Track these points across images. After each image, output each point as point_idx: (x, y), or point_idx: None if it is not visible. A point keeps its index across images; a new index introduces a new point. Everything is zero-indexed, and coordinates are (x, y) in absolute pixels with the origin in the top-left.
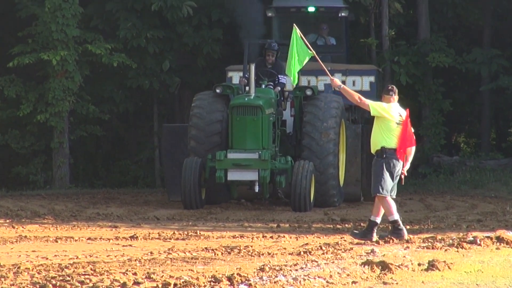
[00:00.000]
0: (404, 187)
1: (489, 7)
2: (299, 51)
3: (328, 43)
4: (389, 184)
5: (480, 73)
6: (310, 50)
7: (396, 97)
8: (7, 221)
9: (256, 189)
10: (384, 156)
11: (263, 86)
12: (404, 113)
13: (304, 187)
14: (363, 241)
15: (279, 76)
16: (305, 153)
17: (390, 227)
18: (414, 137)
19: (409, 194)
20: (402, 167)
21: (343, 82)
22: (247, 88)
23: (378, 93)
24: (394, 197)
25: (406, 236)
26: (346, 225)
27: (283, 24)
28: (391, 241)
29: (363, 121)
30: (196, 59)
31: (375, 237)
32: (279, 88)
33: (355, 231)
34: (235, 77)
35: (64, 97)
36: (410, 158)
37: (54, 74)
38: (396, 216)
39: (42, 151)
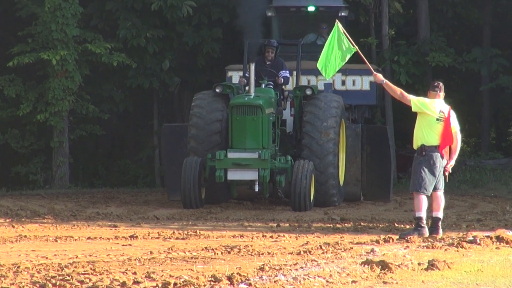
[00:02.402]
0: (404, 187)
1: (489, 6)
2: (341, 47)
3: None
4: (428, 182)
5: (480, 73)
6: (353, 45)
7: (442, 94)
8: (7, 220)
9: (256, 188)
10: (424, 153)
11: (263, 85)
12: (446, 110)
13: (304, 187)
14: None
15: (280, 72)
16: (305, 153)
17: (413, 224)
18: (459, 134)
19: (408, 193)
20: (446, 164)
21: (343, 82)
22: (247, 87)
23: (378, 92)
24: (443, 191)
25: (427, 234)
26: (346, 224)
27: (283, 24)
28: (391, 240)
29: (363, 121)
30: (196, 58)
31: (441, 232)
32: (282, 80)
33: (410, 232)
34: (235, 76)
35: (64, 96)
36: (455, 156)
37: (54, 74)
38: (423, 214)
39: (42, 151)
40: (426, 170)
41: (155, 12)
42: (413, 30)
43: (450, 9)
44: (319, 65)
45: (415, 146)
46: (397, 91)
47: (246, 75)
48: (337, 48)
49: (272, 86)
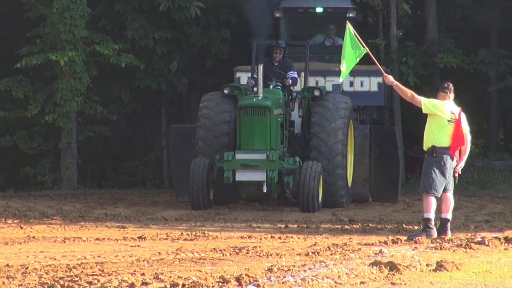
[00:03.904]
0: (412, 188)
1: (497, 8)
2: (353, 48)
3: (336, 43)
4: (438, 183)
5: (487, 74)
6: (364, 47)
7: (452, 95)
8: (15, 221)
9: (264, 189)
10: (434, 155)
11: (271, 86)
12: (457, 111)
13: (312, 188)
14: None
15: (288, 73)
16: (313, 154)
17: (422, 225)
18: (469, 136)
19: (417, 194)
20: (456, 165)
21: (351, 83)
22: (255, 88)
23: (386, 93)
24: (452, 192)
25: (435, 235)
26: (354, 225)
27: (291, 25)
28: (399, 241)
29: (371, 122)
30: (204, 59)
31: (449, 233)
32: (290, 81)
33: (419, 233)
34: (243, 77)
35: (72, 97)
36: (465, 157)
37: (62, 75)
38: (431, 215)
39: (50, 152)
40: (436, 171)
41: (163, 13)
42: (421, 31)
43: (458, 11)
44: (341, 67)
45: (425, 147)
46: (408, 93)
47: (254, 76)
48: (350, 49)
49: (280, 87)
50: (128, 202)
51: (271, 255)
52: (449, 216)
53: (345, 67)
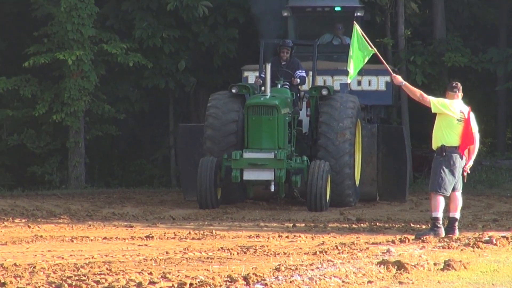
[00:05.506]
0: (420, 187)
1: (505, 6)
2: (360, 48)
3: (344, 42)
4: (447, 182)
5: (495, 73)
6: (371, 47)
7: (460, 94)
8: (23, 220)
9: (272, 188)
10: (444, 154)
11: (279, 85)
12: (466, 110)
13: (320, 187)
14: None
15: (296, 72)
16: (321, 153)
17: (429, 224)
18: (478, 135)
19: (425, 193)
20: (464, 164)
21: (359, 82)
22: (262, 88)
23: (393, 92)
24: (461, 191)
25: (443, 234)
26: (362, 224)
27: (299, 24)
28: (407, 240)
29: (379, 121)
30: (211, 58)
31: (457, 232)
32: (298, 81)
33: (427, 232)
34: (251, 76)
35: (79, 96)
36: (473, 156)
37: (70, 74)
38: (439, 214)
39: (57, 151)
40: (446, 170)
41: (171, 12)
42: (429, 30)
43: (466, 9)
44: (348, 67)
45: (434, 147)
46: (417, 93)
47: (262, 75)
48: (357, 49)
49: (288, 87)
50: (135, 201)
51: (278, 254)
52: (457, 215)
53: (353, 68)
